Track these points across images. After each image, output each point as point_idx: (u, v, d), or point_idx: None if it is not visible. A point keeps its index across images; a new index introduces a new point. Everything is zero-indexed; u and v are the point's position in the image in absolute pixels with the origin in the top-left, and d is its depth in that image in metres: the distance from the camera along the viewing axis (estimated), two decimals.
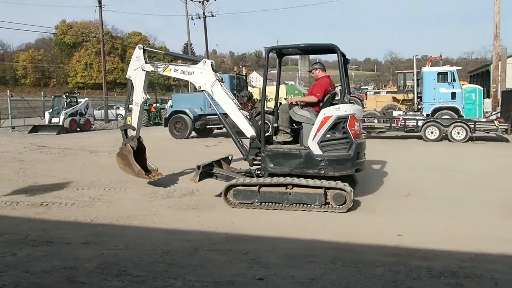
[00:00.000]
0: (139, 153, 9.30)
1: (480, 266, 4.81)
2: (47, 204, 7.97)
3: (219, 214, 7.22)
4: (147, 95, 9.44)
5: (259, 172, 8.15)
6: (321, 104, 7.78)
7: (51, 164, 12.82)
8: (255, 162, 8.11)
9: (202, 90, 8.64)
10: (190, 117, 20.54)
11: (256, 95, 21.04)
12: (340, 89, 8.61)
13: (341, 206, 7.21)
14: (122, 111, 38.83)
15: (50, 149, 16.55)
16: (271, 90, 22.45)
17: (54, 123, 26.34)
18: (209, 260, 5.07)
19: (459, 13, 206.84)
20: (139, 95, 9.21)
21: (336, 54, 7.62)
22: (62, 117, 26.14)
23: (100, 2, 35.76)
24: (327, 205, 7.29)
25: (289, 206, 7.38)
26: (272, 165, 7.65)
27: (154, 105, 32.45)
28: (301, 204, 7.36)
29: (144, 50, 9.25)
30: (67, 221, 7.01)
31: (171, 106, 23.38)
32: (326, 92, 7.87)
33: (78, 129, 26.67)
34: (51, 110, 27.44)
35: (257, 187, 7.47)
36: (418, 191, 8.63)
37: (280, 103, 8.46)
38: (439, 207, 7.52)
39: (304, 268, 4.79)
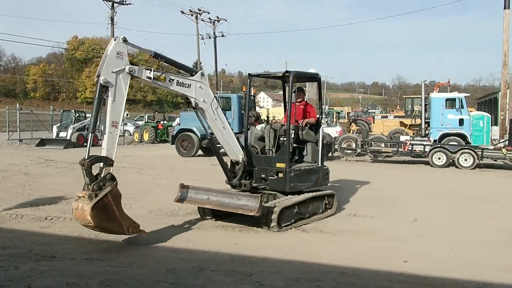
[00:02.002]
0: None
1: None
2: (51, 219, 7.96)
3: (223, 234, 7.18)
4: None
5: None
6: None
7: (57, 178, 12.86)
8: (255, 185, 8.05)
9: (196, 108, 7.35)
10: (197, 136, 20.59)
11: (264, 116, 21.11)
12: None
13: (331, 209, 8.49)
14: (130, 127, 38.98)
15: (56, 163, 16.63)
16: (278, 111, 22.55)
17: (61, 137, 26.56)
18: (213, 281, 5.02)
19: (467, 40, 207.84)
20: (121, 112, 6.40)
21: (317, 82, 8.87)
22: (70, 131, 26.34)
23: (112, 20, 36.32)
24: (325, 210, 8.35)
25: (308, 219, 7.88)
26: (299, 183, 7.99)
27: (162, 122, 32.60)
28: (315, 214, 8.06)
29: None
30: (72, 236, 6.99)
31: (179, 124, 23.48)
32: None
33: (85, 143, 26.80)
34: (59, 124, 27.68)
35: (296, 206, 7.61)
36: (425, 217, 8.56)
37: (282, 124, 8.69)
38: (446, 234, 7.44)
39: None
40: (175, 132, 22.09)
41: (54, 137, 27.05)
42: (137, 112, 69.83)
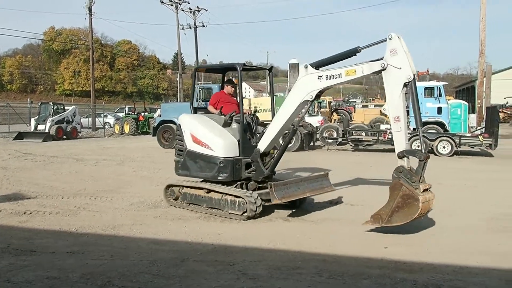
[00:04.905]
0: None
1: (464, 279, 4.85)
2: (30, 213, 7.86)
3: (206, 225, 7.19)
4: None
5: None
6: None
7: (36, 172, 12.69)
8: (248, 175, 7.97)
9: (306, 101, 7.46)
10: None
11: (246, 106, 21.06)
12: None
13: None
14: (110, 119, 38.61)
15: (35, 157, 16.39)
16: (260, 102, 22.50)
17: (40, 130, 26.14)
18: (196, 271, 5.03)
19: (446, 29, 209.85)
20: None
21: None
22: (48, 124, 25.95)
23: (90, 10, 35.73)
24: None
25: None
26: None
27: (143, 114, 32.34)
28: None
29: None
30: (51, 230, 6.92)
31: (160, 115, 23.32)
32: None
33: (64, 136, 26.47)
34: (37, 117, 27.23)
35: None
36: None
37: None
38: (424, 220, 7.53)
39: (291, 280, 4.78)
40: (156, 124, 21.96)
41: (32, 130, 26.61)
42: (117, 104, 69.13)
